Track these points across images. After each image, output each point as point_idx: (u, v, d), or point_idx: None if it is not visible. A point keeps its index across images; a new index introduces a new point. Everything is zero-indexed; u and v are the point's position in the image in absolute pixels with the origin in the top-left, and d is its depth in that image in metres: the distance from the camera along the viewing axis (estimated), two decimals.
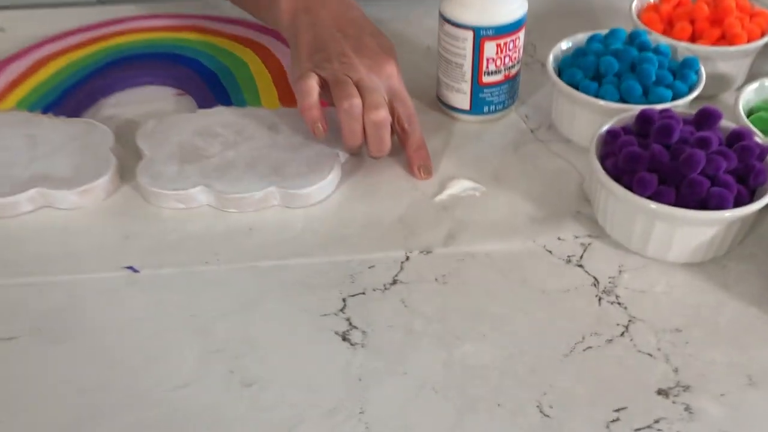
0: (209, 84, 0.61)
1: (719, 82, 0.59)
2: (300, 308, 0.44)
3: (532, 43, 0.69)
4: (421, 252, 0.48)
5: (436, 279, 0.46)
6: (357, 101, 0.50)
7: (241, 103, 0.59)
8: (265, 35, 0.67)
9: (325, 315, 0.44)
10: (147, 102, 0.62)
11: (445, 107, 0.59)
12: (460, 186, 0.53)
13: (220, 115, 0.57)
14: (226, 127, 0.56)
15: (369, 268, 0.47)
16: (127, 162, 0.55)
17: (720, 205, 0.43)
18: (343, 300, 0.45)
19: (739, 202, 0.44)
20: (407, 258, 0.48)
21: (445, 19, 0.55)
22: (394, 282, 0.46)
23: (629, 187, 0.44)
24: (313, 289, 0.46)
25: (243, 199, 0.50)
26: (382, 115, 0.50)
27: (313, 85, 0.51)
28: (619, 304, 0.44)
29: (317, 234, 0.49)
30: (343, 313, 0.44)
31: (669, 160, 0.45)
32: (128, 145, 0.56)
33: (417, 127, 0.53)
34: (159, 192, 0.51)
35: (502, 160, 0.55)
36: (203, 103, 0.59)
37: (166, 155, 0.53)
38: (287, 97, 0.59)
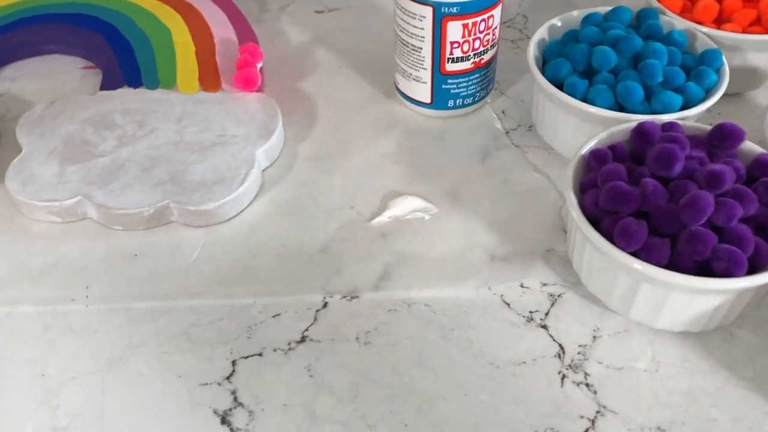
0: (120, 56, 0.50)
1: (748, 77, 0.47)
2: (175, 372, 0.35)
3: (523, 14, 0.57)
4: (344, 297, 0.38)
5: (357, 337, 0.36)
6: None
7: (152, 83, 0.48)
8: None
9: (206, 384, 0.34)
10: (49, 76, 0.51)
11: (403, 97, 0.48)
12: (406, 205, 0.42)
13: (123, 99, 0.47)
14: (127, 115, 0.45)
15: (273, 317, 0.37)
16: (7, 156, 0.45)
17: (729, 271, 0.32)
18: (233, 363, 0.35)
19: (755, 263, 0.33)
20: (324, 305, 0.37)
21: None
22: (302, 339, 0.36)
23: (611, 236, 0.33)
24: (197, 345, 0.36)
25: (129, 215, 0.40)
26: None
27: None
28: (587, 386, 0.34)
29: (216, 265, 0.39)
30: (229, 382, 0.34)
31: (666, 201, 0.34)
32: (12, 133, 0.46)
33: None
34: (28, 202, 0.41)
35: (465, 170, 0.44)
36: (109, 82, 0.49)
37: (47, 152, 0.43)
38: (209, 78, 0.48)
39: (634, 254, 0.33)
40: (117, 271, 0.39)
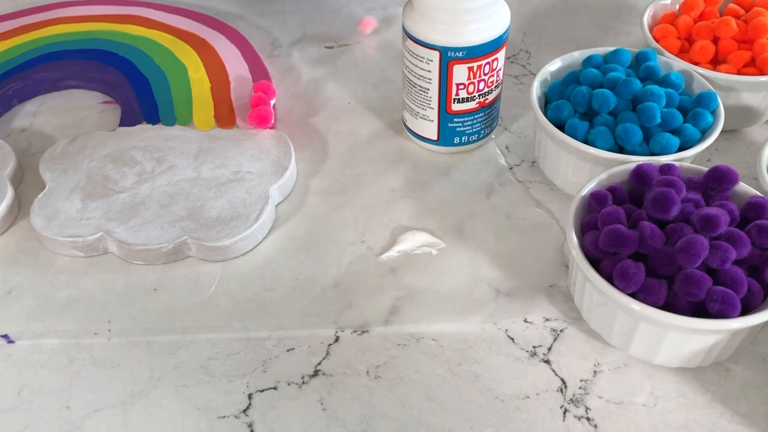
0: (139, 93, 0.52)
1: (743, 115, 0.49)
2: (195, 405, 0.36)
3: (526, 50, 0.59)
4: (355, 331, 0.39)
5: (367, 371, 0.38)
6: None
7: (170, 120, 0.50)
8: (213, 30, 0.58)
9: (224, 417, 0.36)
10: (69, 111, 0.53)
11: (411, 133, 0.50)
12: (414, 240, 0.44)
13: (141, 135, 0.49)
14: (147, 152, 0.47)
15: (288, 351, 0.39)
16: (31, 191, 0.47)
17: (723, 312, 0.33)
18: (249, 397, 0.37)
19: (749, 303, 0.34)
20: (336, 339, 0.39)
21: (407, 33, 0.45)
22: (315, 373, 0.38)
23: (610, 276, 0.35)
24: (215, 378, 0.37)
25: (148, 251, 0.42)
26: None
27: None
28: (588, 420, 0.36)
29: (232, 299, 0.41)
30: (246, 415, 0.36)
31: (663, 243, 0.35)
32: (35, 169, 0.48)
33: None
34: (52, 238, 0.43)
35: (471, 206, 0.46)
36: (128, 118, 0.51)
37: (70, 188, 0.45)
38: (224, 115, 0.50)
39: (633, 295, 0.34)
40: (137, 305, 0.41)
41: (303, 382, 0.37)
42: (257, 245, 0.44)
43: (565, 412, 0.36)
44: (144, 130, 0.49)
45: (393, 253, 0.43)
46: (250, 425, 0.35)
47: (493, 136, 0.51)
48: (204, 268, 0.43)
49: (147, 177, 0.46)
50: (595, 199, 0.38)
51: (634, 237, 0.35)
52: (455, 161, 0.49)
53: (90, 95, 0.55)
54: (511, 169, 0.49)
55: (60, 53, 0.56)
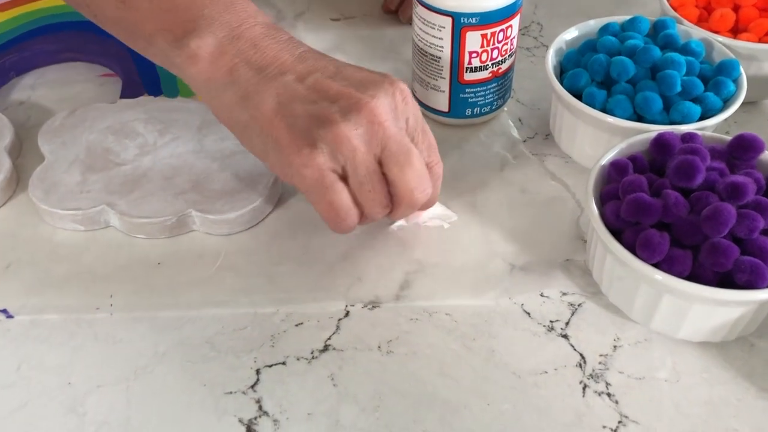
0: (140, 65, 0.51)
1: (764, 86, 0.47)
2: (201, 381, 0.35)
3: (538, 22, 0.57)
4: (366, 306, 0.38)
5: (379, 346, 0.36)
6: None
7: (172, 92, 0.49)
8: None
9: (231, 393, 0.35)
10: (68, 84, 0.52)
11: (421, 105, 0.48)
12: (426, 212, 0.42)
13: (143, 107, 0.47)
14: (149, 124, 0.46)
15: (296, 326, 0.37)
16: (29, 164, 0.45)
17: (751, 282, 0.32)
18: (257, 372, 0.35)
19: None
20: (347, 314, 0.38)
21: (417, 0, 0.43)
22: (325, 348, 0.36)
23: (633, 247, 0.34)
24: (222, 353, 0.36)
25: (152, 224, 0.41)
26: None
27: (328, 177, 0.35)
28: (608, 395, 0.34)
29: (239, 273, 0.40)
30: (254, 391, 0.35)
31: (687, 212, 0.34)
32: (34, 141, 0.46)
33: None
34: (51, 211, 0.41)
35: (484, 179, 0.45)
36: (128, 90, 0.49)
37: (69, 160, 0.44)
38: None
39: (656, 266, 0.33)
40: (140, 280, 0.39)
41: (313, 357, 0.36)
42: (264, 218, 0.42)
43: (584, 388, 0.35)
44: (146, 102, 0.48)
45: (403, 223, 0.42)
46: (258, 401, 0.34)
47: (505, 109, 0.49)
48: (209, 241, 0.41)
49: (149, 149, 0.44)
50: (616, 169, 0.37)
51: (657, 205, 0.34)
52: (466, 134, 0.48)
53: (90, 68, 0.53)
54: (524, 141, 0.47)
55: (58, 25, 0.54)
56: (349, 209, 0.35)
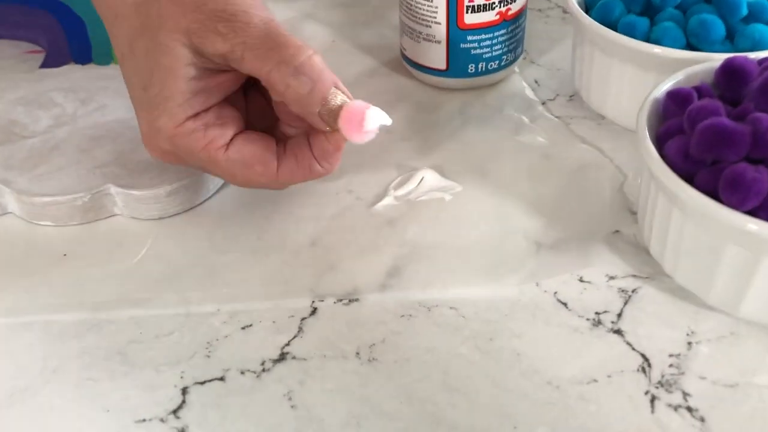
0: (70, 34, 0.42)
1: None
2: (102, 405, 0.24)
3: None
4: (340, 300, 0.28)
5: (357, 353, 0.26)
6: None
7: (104, 59, 0.39)
8: None
9: (144, 421, 0.24)
10: None
11: (412, 66, 0.39)
12: (420, 183, 0.32)
13: (66, 76, 0.38)
14: (70, 92, 0.37)
15: (242, 329, 0.27)
16: None
17: None
18: (183, 391, 0.25)
19: None
20: (313, 311, 0.27)
21: None
22: (282, 357, 0.26)
23: (712, 192, 0.24)
24: (135, 367, 0.26)
25: (58, 205, 0.31)
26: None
27: None
28: (689, 410, 0.24)
29: (169, 264, 0.29)
30: (177, 417, 0.24)
31: None
32: None
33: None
34: None
35: (494, 145, 0.35)
36: (53, 60, 0.40)
37: None
38: None
39: (752, 214, 0.23)
40: (37, 276, 0.29)
41: (263, 370, 0.25)
42: (208, 198, 0.32)
43: (653, 400, 0.24)
44: (70, 71, 0.39)
45: (390, 200, 0.32)
46: (181, 431, 0.24)
47: (516, 69, 0.40)
48: (133, 227, 0.31)
49: (66, 120, 0.35)
50: (676, 100, 0.27)
51: (744, 133, 0.24)
52: (469, 98, 0.38)
53: (14, 45, 0.44)
54: (543, 104, 0.37)
55: None
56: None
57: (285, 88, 0.26)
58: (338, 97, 0.26)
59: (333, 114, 0.26)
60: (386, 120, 0.26)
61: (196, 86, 0.27)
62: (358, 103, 0.26)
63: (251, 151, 0.28)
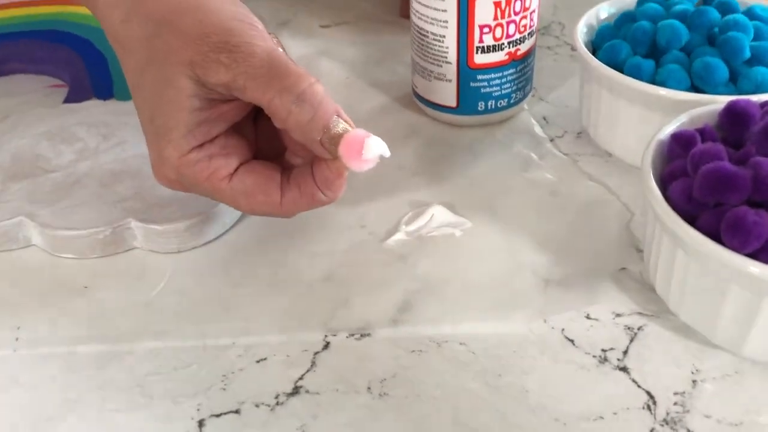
0: (91, 69, 0.43)
1: None
2: None
3: (559, 22, 0.49)
4: (352, 335, 0.29)
5: (369, 387, 0.27)
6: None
7: (125, 95, 0.41)
8: None
9: None
10: (9, 96, 0.44)
11: (423, 104, 0.40)
12: (430, 219, 0.33)
13: (88, 111, 0.39)
14: (93, 128, 0.38)
15: (257, 362, 0.28)
16: None
17: None
18: (200, 424, 0.26)
19: None
20: (326, 345, 0.28)
21: None
22: (295, 391, 0.27)
23: (714, 235, 0.24)
24: (154, 399, 0.26)
25: (80, 238, 0.32)
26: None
27: None
28: None
29: (186, 298, 0.30)
30: None
31: None
32: None
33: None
34: None
35: (503, 182, 0.36)
36: (75, 95, 0.41)
37: None
38: None
39: (753, 256, 0.24)
40: (59, 307, 0.30)
41: (278, 403, 0.26)
42: (225, 232, 0.33)
43: None
44: (92, 105, 0.40)
45: (401, 236, 0.33)
46: None
47: (525, 106, 0.41)
48: (152, 261, 0.32)
49: (88, 154, 0.36)
50: (680, 142, 0.28)
51: (745, 177, 0.25)
52: (478, 136, 0.39)
53: (37, 80, 0.45)
54: (552, 141, 0.38)
55: (4, 35, 0.47)
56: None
57: (287, 115, 0.27)
58: (340, 125, 0.27)
59: (334, 141, 0.27)
60: (385, 151, 0.27)
61: (199, 117, 0.27)
62: (359, 132, 0.27)
63: (254, 181, 0.28)
